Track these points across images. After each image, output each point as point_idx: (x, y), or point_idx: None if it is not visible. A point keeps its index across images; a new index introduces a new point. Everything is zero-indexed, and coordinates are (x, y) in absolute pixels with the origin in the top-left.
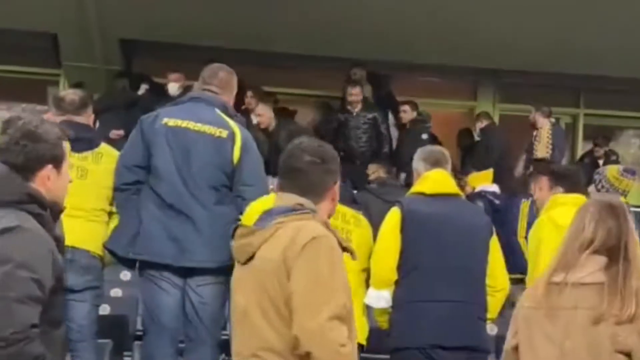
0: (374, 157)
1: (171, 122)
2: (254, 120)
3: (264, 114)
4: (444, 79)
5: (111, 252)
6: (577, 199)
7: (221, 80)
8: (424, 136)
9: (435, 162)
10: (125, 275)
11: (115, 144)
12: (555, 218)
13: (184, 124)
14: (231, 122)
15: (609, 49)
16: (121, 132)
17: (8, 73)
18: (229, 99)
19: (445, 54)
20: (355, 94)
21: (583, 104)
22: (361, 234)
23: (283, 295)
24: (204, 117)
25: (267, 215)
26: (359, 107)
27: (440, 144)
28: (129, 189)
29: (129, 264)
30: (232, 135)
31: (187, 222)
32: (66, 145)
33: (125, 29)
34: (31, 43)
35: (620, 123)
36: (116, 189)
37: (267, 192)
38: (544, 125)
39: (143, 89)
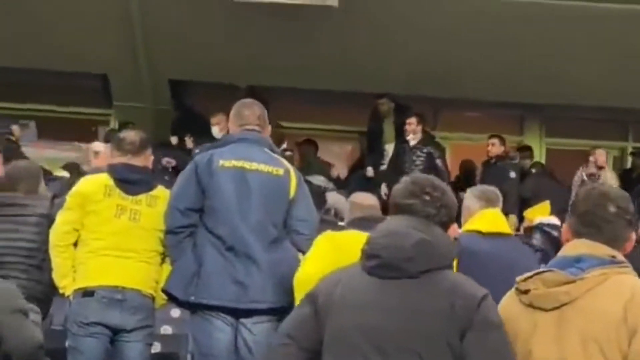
0: None
1: (227, 163)
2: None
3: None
4: (490, 114)
5: (170, 296)
6: None
7: (259, 117)
8: (512, 175)
9: (488, 201)
10: (175, 312)
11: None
12: None
13: (239, 164)
14: (283, 160)
15: None
16: (173, 161)
17: (61, 113)
18: (268, 134)
19: (491, 89)
20: (410, 123)
21: (632, 138)
22: None
23: (620, 348)
24: (257, 157)
25: (574, 262)
26: (414, 138)
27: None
28: (182, 231)
29: (185, 305)
30: (287, 172)
31: (249, 264)
32: None
33: (174, 70)
34: (83, 84)
35: None
36: (169, 232)
37: (317, 226)
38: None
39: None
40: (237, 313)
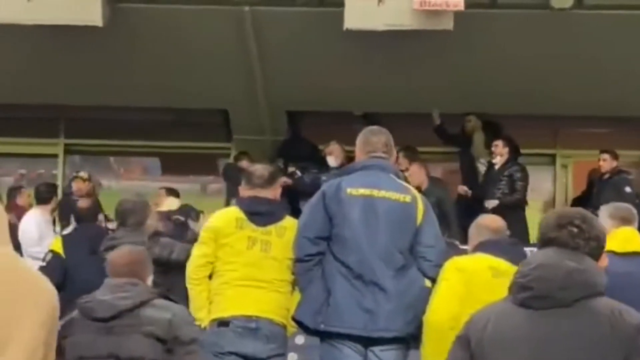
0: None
1: (355, 191)
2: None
3: (414, 173)
4: (612, 130)
5: (300, 324)
6: None
7: (386, 144)
8: (628, 189)
9: (623, 220)
10: (300, 339)
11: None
12: None
13: (367, 191)
14: (409, 187)
15: None
16: (289, 181)
17: (184, 149)
18: (393, 161)
19: (612, 105)
20: (497, 145)
21: None
22: None
23: None
24: (385, 184)
25: None
26: (500, 160)
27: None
28: (311, 259)
29: (314, 333)
30: (414, 199)
31: (377, 292)
32: None
33: (291, 101)
34: (205, 120)
35: None
36: (298, 260)
37: (445, 251)
38: None
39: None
40: (366, 341)
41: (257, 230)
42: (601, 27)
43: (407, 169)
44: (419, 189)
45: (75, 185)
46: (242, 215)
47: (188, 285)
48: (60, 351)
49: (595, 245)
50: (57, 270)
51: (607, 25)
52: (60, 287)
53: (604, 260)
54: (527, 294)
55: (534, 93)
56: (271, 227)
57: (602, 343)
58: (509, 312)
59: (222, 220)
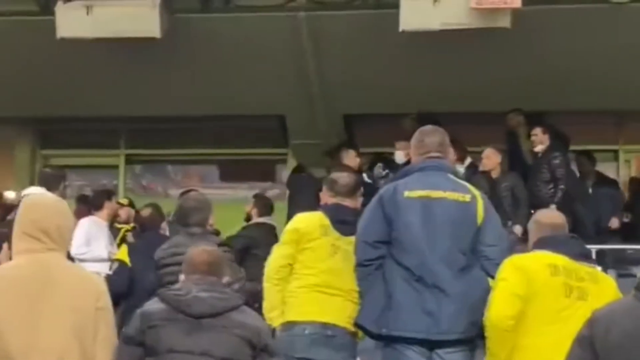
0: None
1: (412, 193)
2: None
3: (489, 157)
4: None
5: (362, 328)
6: None
7: (440, 144)
8: None
9: None
10: (363, 343)
11: None
12: None
13: (424, 193)
14: (468, 185)
15: None
16: None
17: (241, 155)
18: (451, 160)
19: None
20: (536, 134)
21: None
22: (600, 291)
23: None
24: (442, 184)
25: None
26: (541, 148)
27: None
28: (372, 264)
29: (377, 337)
30: (474, 198)
31: (439, 294)
32: None
33: (347, 105)
34: (262, 126)
35: None
36: (359, 265)
37: (508, 249)
38: None
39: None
40: (429, 344)
41: (340, 239)
42: None
43: (455, 162)
44: (492, 173)
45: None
46: (327, 221)
47: (266, 284)
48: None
49: None
50: (123, 278)
51: None
52: (126, 294)
53: None
54: None
55: (595, 88)
56: (354, 238)
57: None
58: (636, 311)
59: (307, 223)
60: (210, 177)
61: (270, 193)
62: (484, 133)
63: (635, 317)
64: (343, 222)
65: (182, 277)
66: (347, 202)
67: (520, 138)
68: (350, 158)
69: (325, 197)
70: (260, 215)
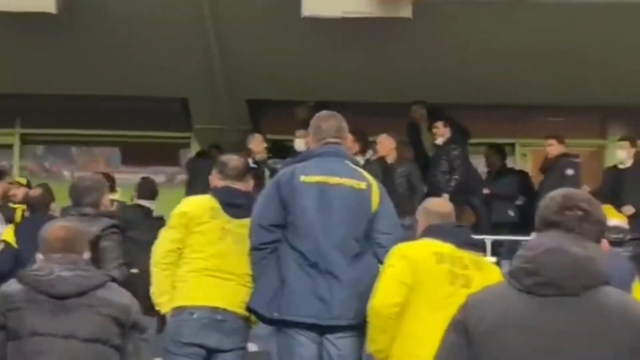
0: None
1: (309, 178)
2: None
3: (383, 143)
4: (570, 119)
5: (254, 312)
6: None
7: (338, 130)
8: (569, 172)
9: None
10: (260, 329)
11: None
12: None
13: (321, 179)
14: (364, 173)
15: None
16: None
17: (142, 138)
18: (349, 146)
19: (568, 93)
20: (437, 127)
21: None
22: (484, 279)
23: None
24: (339, 171)
25: None
26: (441, 140)
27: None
28: (266, 248)
29: (269, 321)
30: (370, 185)
31: (332, 280)
32: None
33: (251, 90)
34: (164, 109)
35: None
36: (253, 249)
37: (402, 238)
38: None
39: None
40: (321, 329)
41: (231, 222)
42: (557, 16)
43: (357, 153)
44: (386, 158)
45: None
46: (216, 204)
47: (153, 269)
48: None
49: (599, 229)
50: (6, 259)
51: (563, 14)
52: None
53: (605, 246)
54: (533, 280)
55: (493, 82)
56: (245, 220)
57: (609, 334)
58: (511, 298)
59: (195, 206)
60: (116, 160)
61: (178, 178)
62: (386, 124)
63: (508, 303)
64: (233, 205)
65: (39, 256)
66: (238, 185)
67: (422, 130)
68: (257, 142)
69: (215, 180)
70: (139, 197)
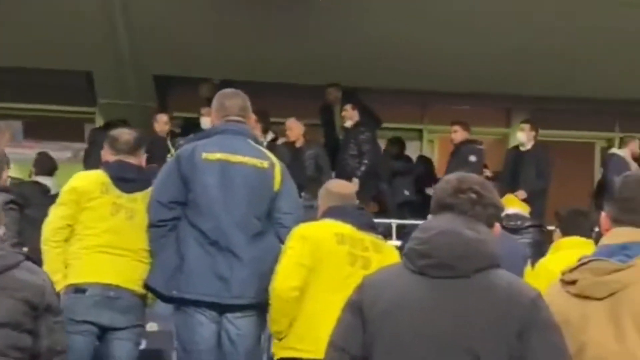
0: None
1: (210, 155)
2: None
3: (294, 128)
4: (476, 107)
5: (152, 290)
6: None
7: (242, 108)
8: (472, 158)
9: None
10: (161, 309)
11: None
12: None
13: (223, 156)
14: (267, 152)
15: None
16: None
17: (45, 112)
18: (252, 125)
19: (476, 81)
20: (346, 109)
21: (619, 129)
22: (383, 261)
23: None
24: (241, 149)
25: (620, 250)
26: (350, 123)
27: (486, 167)
28: (165, 225)
29: (168, 300)
30: (272, 165)
31: (232, 259)
32: None
33: (158, 66)
34: (67, 82)
35: None
36: (152, 225)
37: (303, 218)
38: None
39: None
40: (220, 308)
41: (122, 197)
42: (465, 4)
43: (262, 136)
44: (295, 143)
45: None
46: (107, 179)
47: (44, 247)
48: None
49: (492, 213)
50: None
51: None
52: None
53: (497, 229)
54: (426, 262)
55: (403, 68)
56: (137, 195)
57: (498, 315)
58: (405, 279)
59: (86, 182)
60: (17, 134)
61: (83, 154)
62: (298, 106)
63: (402, 284)
64: (124, 179)
65: None
66: (130, 159)
67: (335, 113)
68: (161, 124)
69: (107, 155)
70: (37, 174)
